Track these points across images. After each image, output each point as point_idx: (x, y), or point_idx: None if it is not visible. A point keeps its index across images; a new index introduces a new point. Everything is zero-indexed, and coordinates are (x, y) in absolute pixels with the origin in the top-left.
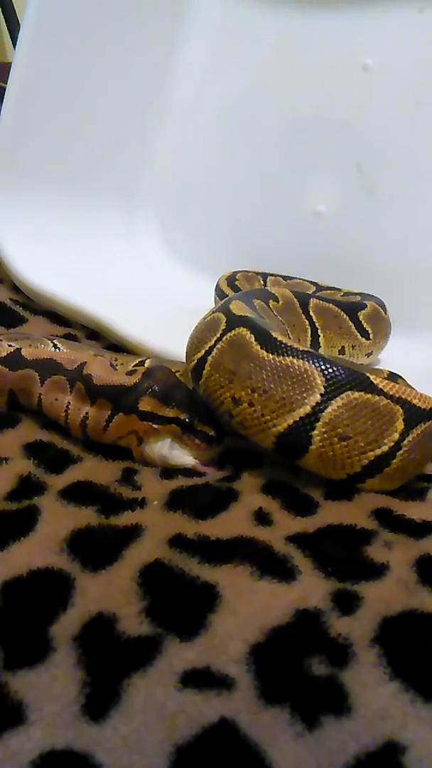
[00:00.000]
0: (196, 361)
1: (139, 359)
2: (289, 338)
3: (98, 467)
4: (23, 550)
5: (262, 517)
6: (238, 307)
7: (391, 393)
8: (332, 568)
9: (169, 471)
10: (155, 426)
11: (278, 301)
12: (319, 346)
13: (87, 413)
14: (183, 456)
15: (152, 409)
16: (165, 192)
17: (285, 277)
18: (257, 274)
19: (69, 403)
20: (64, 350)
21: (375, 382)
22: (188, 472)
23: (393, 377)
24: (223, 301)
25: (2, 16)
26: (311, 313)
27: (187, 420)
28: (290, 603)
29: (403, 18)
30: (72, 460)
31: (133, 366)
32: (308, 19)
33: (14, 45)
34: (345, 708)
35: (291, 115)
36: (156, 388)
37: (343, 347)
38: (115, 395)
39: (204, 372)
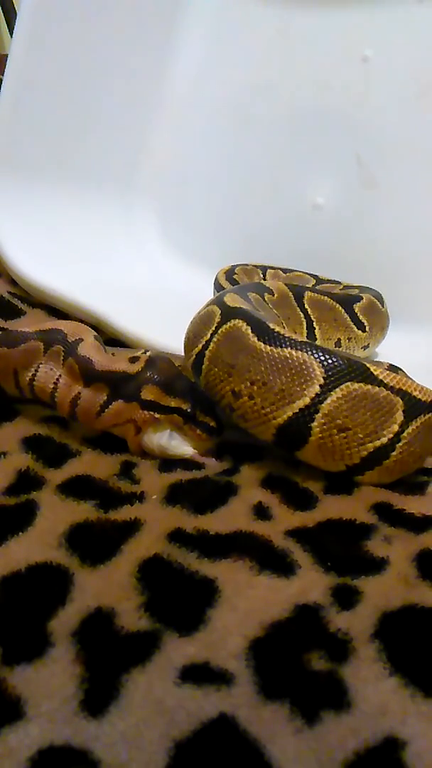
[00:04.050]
0: (194, 356)
1: (140, 353)
2: (285, 329)
3: (97, 461)
4: (21, 545)
5: (261, 512)
6: (232, 299)
7: (391, 384)
8: (332, 563)
9: (168, 464)
10: (157, 415)
11: (273, 295)
12: (315, 339)
13: (79, 393)
14: (182, 446)
15: (155, 399)
16: (163, 185)
17: (285, 270)
18: (256, 267)
19: (60, 377)
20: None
21: (375, 373)
22: (187, 464)
23: (393, 370)
24: (218, 294)
25: (0, 8)
26: (306, 306)
27: (189, 410)
28: (290, 598)
29: (403, 8)
30: (70, 454)
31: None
32: (307, 9)
33: (12, 36)
34: (345, 703)
35: (290, 107)
36: (158, 377)
37: (339, 339)
38: (116, 382)
39: (203, 367)
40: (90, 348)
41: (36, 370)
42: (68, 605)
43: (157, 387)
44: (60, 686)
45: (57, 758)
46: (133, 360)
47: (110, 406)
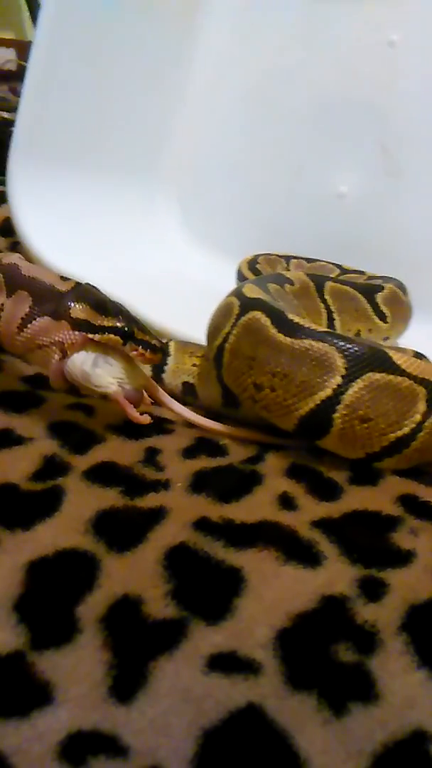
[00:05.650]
0: (215, 349)
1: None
2: (305, 320)
3: (121, 447)
4: (49, 530)
5: (286, 501)
6: (251, 290)
7: (414, 373)
8: (358, 555)
9: (191, 450)
10: (90, 336)
11: (294, 285)
12: (335, 330)
13: (2, 306)
14: (105, 377)
15: (87, 318)
16: (185, 173)
17: (308, 260)
18: (280, 256)
19: None
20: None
21: (398, 362)
22: (211, 451)
23: (418, 357)
24: (238, 285)
25: None
26: (326, 297)
27: (126, 328)
28: (316, 589)
29: None
30: (95, 440)
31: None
32: None
33: (34, 23)
34: (373, 696)
35: (314, 95)
36: (89, 297)
37: (359, 331)
38: (42, 294)
39: (224, 360)
40: (16, 258)
41: None
42: (95, 591)
43: (89, 306)
44: (88, 672)
45: (86, 743)
46: (64, 279)
47: (35, 321)
